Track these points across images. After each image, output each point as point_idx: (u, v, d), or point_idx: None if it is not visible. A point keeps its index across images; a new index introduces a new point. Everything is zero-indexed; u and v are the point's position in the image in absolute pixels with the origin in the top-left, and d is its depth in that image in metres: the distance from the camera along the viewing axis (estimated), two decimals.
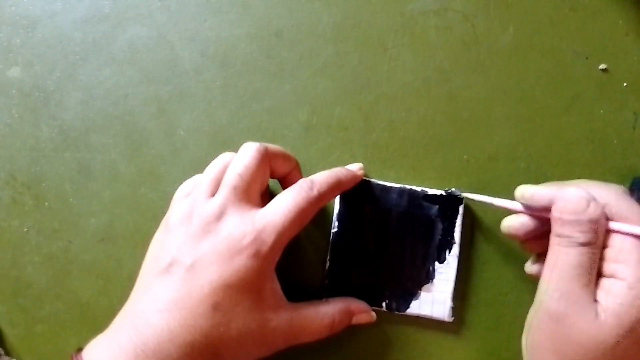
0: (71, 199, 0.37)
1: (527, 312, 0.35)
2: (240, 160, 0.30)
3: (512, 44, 0.37)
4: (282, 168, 0.33)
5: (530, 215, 0.30)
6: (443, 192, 0.35)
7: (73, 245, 0.36)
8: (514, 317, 0.35)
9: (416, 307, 0.34)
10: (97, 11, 0.38)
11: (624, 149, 0.36)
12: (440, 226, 0.35)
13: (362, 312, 0.33)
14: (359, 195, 0.35)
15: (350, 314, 0.33)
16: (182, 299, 0.27)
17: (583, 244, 0.26)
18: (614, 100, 0.37)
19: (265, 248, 0.28)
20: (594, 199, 0.27)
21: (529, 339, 0.28)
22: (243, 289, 0.28)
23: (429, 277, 0.34)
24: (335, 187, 0.31)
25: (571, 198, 0.27)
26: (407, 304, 0.34)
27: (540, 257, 0.31)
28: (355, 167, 0.35)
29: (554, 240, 0.27)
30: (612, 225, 0.27)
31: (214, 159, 0.37)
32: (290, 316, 0.30)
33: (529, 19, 0.37)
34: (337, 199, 0.35)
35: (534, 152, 0.36)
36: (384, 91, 0.37)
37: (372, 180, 0.35)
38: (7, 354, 0.35)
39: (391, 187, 0.35)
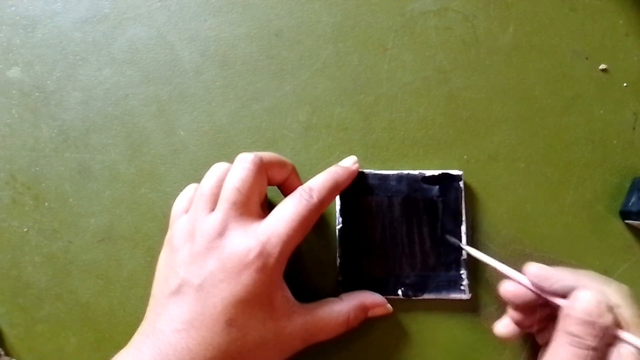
0: (71, 199, 0.37)
1: None
2: (236, 174, 0.30)
3: (512, 44, 0.37)
4: (279, 175, 0.33)
5: (533, 292, 0.30)
6: (441, 172, 0.35)
7: (73, 246, 0.36)
8: None
9: (432, 290, 0.34)
10: (97, 11, 0.38)
11: (624, 149, 0.36)
12: (443, 206, 0.35)
13: (378, 306, 0.33)
14: (358, 188, 0.35)
15: (365, 309, 0.33)
16: (197, 319, 0.27)
17: (593, 348, 0.27)
18: (614, 100, 0.37)
19: (271, 260, 0.28)
20: (610, 306, 0.27)
21: None
22: (254, 303, 0.28)
23: (440, 258, 0.34)
24: (333, 190, 0.31)
25: (592, 302, 0.27)
26: (422, 288, 0.34)
27: (519, 323, 0.32)
28: (350, 162, 0.35)
29: (564, 338, 0.27)
30: (623, 335, 0.27)
31: (214, 159, 0.37)
32: (304, 320, 0.30)
33: (529, 19, 0.37)
34: (338, 196, 0.35)
35: (534, 152, 0.36)
36: (384, 91, 0.37)
37: (369, 170, 0.35)
38: (7, 354, 0.35)
39: (389, 174, 0.35)
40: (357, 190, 0.35)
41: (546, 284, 0.29)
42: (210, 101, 0.37)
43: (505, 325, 0.32)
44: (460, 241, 0.34)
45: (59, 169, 0.37)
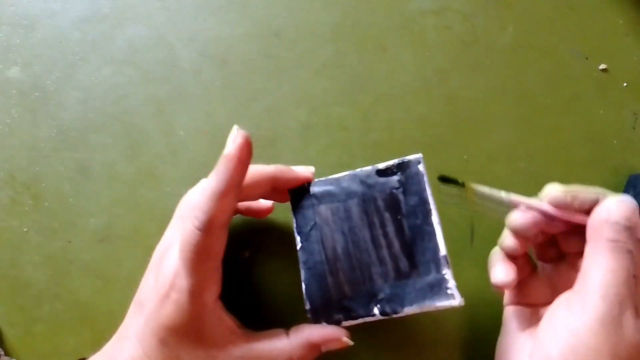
0: (70, 199, 0.37)
1: None
2: (199, 196, 0.28)
3: (512, 43, 0.37)
4: (254, 193, 0.31)
5: (551, 216, 0.28)
6: (397, 161, 0.30)
7: (72, 245, 0.36)
8: None
9: (414, 301, 0.28)
10: (96, 11, 0.38)
11: (624, 148, 0.36)
12: (405, 197, 0.29)
13: (330, 341, 0.29)
14: (310, 199, 0.31)
15: (314, 346, 0.29)
16: (140, 331, 0.28)
17: (631, 252, 0.26)
18: (614, 100, 0.37)
19: (184, 296, 0.27)
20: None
21: (572, 347, 0.26)
22: (180, 330, 0.27)
23: (413, 259, 0.29)
24: (217, 203, 0.26)
25: (628, 205, 0.26)
26: (401, 301, 0.28)
27: (515, 258, 0.30)
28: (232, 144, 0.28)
29: (603, 246, 0.26)
30: None
31: (213, 159, 0.36)
32: (241, 353, 0.29)
33: (528, 18, 0.37)
34: (292, 212, 0.31)
35: (533, 152, 0.36)
36: (384, 91, 0.37)
37: (317, 179, 0.31)
38: (7, 354, 0.35)
39: (339, 177, 0.31)
40: (310, 202, 0.31)
41: (577, 203, 0.27)
42: (210, 101, 0.37)
43: (504, 271, 0.29)
44: (435, 234, 0.29)
45: (58, 169, 0.37)
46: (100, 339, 0.36)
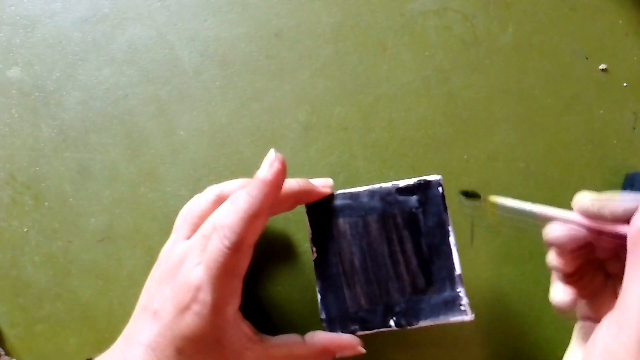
0: (71, 199, 0.37)
1: (529, 310, 0.35)
2: (222, 212, 0.29)
3: (512, 43, 0.37)
4: (278, 211, 0.32)
5: (587, 227, 0.26)
6: (416, 180, 0.31)
7: (73, 245, 0.36)
8: (516, 316, 0.35)
9: (428, 315, 0.30)
10: (96, 11, 0.38)
11: (624, 149, 0.36)
12: (424, 217, 0.31)
13: (345, 349, 0.30)
14: (327, 211, 0.31)
15: (329, 353, 0.30)
16: (153, 339, 0.28)
17: None
18: (614, 100, 0.37)
19: (206, 310, 0.27)
20: None
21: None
22: (199, 341, 0.28)
23: (430, 276, 0.30)
24: (250, 223, 0.27)
25: None
26: (417, 314, 0.30)
27: (572, 277, 0.28)
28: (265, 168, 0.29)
29: None
30: None
31: (213, 159, 0.37)
32: (258, 359, 0.29)
33: (528, 18, 0.37)
34: (307, 223, 0.31)
35: (533, 152, 0.37)
36: (384, 91, 0.37)
37: (337, 191, 0.32)
38: (7, 354, 0.35)
39: (359, 191, 0.31)
40: (327, 214, 0.31)
41: (615, 212, 0.25)
42: (210, 101, 0.37)
43: (561, 291, 0.28)
44: (451, 254, 0.30)
45: (59, 169, 0.37)
46: (100, 339, 0.36)
